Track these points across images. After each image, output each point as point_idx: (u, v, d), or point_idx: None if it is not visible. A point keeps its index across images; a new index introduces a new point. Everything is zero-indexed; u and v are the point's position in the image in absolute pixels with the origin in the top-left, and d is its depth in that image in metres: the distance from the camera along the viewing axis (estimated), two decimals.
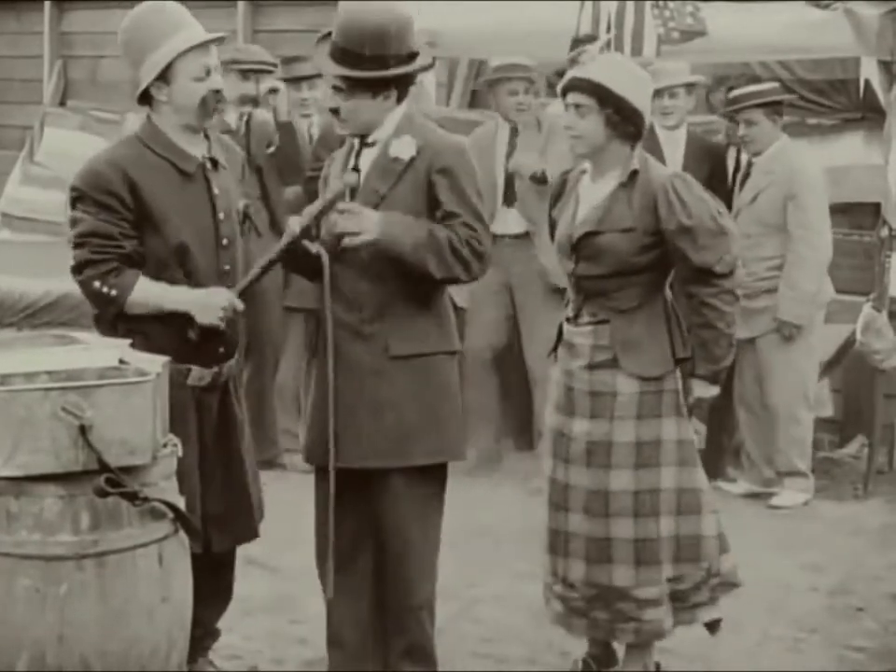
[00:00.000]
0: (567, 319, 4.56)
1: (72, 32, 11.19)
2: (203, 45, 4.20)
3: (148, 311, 4.16)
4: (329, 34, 4.29)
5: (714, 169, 7.23)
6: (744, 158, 7.42)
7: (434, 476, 4.35)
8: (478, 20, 7.82)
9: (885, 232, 7.22)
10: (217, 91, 4.24)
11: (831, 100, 8.35)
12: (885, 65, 7.35)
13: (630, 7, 7.39)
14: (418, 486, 4.29)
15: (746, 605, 5.48)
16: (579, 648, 4.73)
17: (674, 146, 7.22)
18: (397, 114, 4.29)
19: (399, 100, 4.28)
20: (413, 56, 4.24)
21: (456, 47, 8.10)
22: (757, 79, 7.71)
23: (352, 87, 4.21)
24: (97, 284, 4.15)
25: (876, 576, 5.96)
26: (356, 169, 4.30)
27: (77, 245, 4.18)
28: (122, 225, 4.14)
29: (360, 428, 4.24)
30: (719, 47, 7.41)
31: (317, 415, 4.32)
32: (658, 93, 7.16)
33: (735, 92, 7.19)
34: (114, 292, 4.14)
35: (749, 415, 7.20)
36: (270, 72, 7.50)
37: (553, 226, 4.72)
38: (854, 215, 7.73)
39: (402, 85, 4.27)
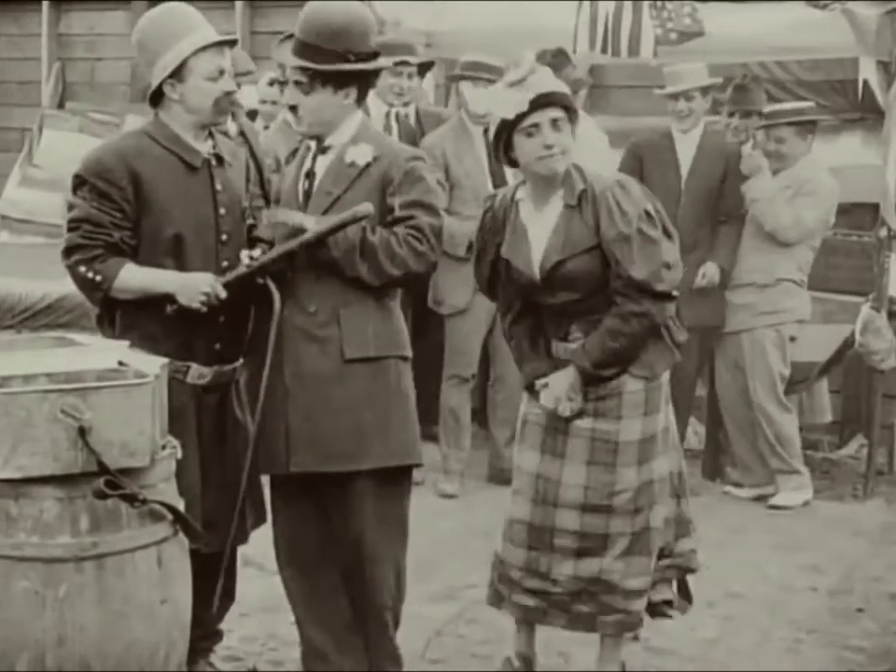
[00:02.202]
0: (555, 337, 4.49)
1: (70, 34, 11.18)
2: (218, 46, 4.24)
3: (134, 295, 4.18)
4: (292, 35, 4.33)
5: (728, 169, 7.20)
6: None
7: (393, 479, 4.34)
8: (476, 20, 7.82)
9: (883, 233, 7.22)
10: (229, 93, 4.28)
11: (829, 100, 8.33)
12: (883, 66, 7.36)
13: (628, 7, 7.39)
14: (376, 489, 4.29)
15: (745, 605, 5.50)
16: (579, 648, 4.73)
17: (688, 147, 7.21)
18: (354, 120, 4.32)
19: (359, 101, 4.31)
20: (373, 56, 4.29)
21: (454, 47, 8.10)
22: (756, 80, 7.68)
23: (313, 80, 4.23)
24: (83, 269, 4.18)
25: (876, 576, 5.97)
26: (312, 172, 4.31)
27: (69, 230, 4.22)
28: (115, 215, 4.16)
29: (316, 433, 4.24)
30: (717, 47, 7.41)
31: (269, 422, 4.27)
32: (675, 97, 7.17)
33: (771, 108, 7.13)
34: (98, 277, 4.16)
35: (731, 416, 7.19)
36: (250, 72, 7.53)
37: (491, 262, 4.49)
38: (853, 215, 7.73)
39: (363, 85, 4.30)
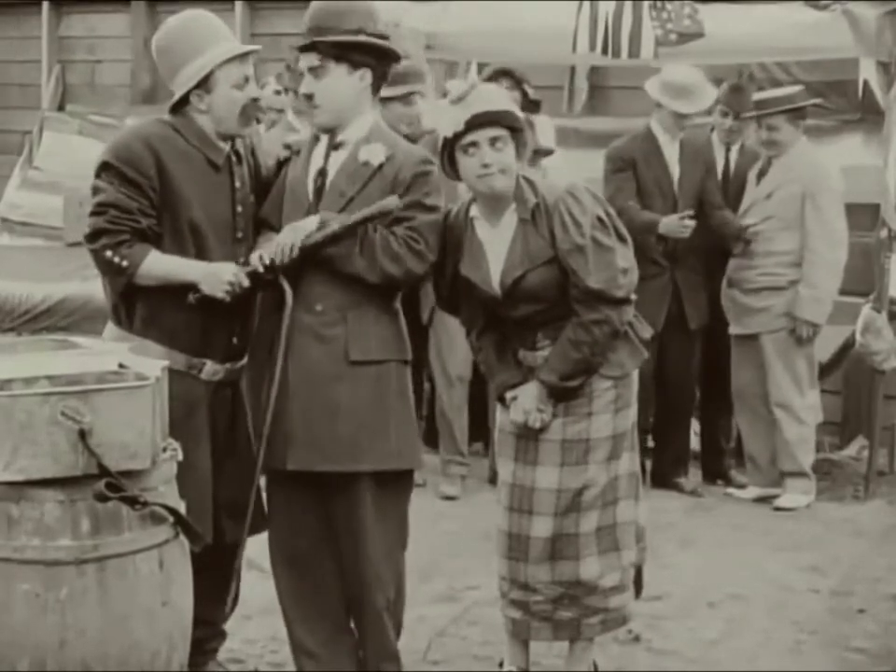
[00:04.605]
0: (522, 347, 4.47)
1: (70, 36, 11.20)
2: (243, 55, 4.25)
3: (158, 282, 4.18)
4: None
5: (707, 168, 7.27)
6: (733, 155, 7.45)
7: (393, 481, 4.35)
8: (476, 21, 7.82)
9: (884, 233, 7.23)
10: (255, 100, 4.30)
11: (829, 101, 8.35)
12: (883, 66, 7.36)
13: (628, 7, 7.39)
14: (376, 490, 4.30)
15: (746, 606, 5.50)
16: None
17: (673, 149, 7.23)
18: (368, 118, 4.32)
19: (374, 88, 4.30)
20: (385, 37, 4.30)
21: (454, 49, 8.11)
22: (752, 78, 7.70)
23: (326, 59, 4.23)
24: (109, 253, 4.16)
25: (877, 577, 5.96)
26: (325, 169, 4.31)
27: (94, 214, 4.19)
28: (142, 202, 4.16)
29: (317, 432, 4.24)
30: (716, 48, 7.42)
31: (271, 420, 4.28)
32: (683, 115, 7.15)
33: (761, 96, 7.17)
34: (125, 262, 4.15)
35: (749, 415, 7.20)
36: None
37: (450, 279, 4.44)
38: (853, 216, 7.70)
39: (377, 68, 4.28)
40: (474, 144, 4.23)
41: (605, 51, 7.54)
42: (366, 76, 4.27)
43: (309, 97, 4.29)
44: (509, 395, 4.45)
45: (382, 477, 4.29)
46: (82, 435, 3.48)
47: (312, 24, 4.26)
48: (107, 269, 4.21)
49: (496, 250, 4.36)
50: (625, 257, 4.34)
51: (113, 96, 10.86)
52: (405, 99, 6.87)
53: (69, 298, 7.98)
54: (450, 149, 4.30)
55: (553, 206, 4.28)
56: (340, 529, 4.36)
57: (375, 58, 4.28)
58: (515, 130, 4.28)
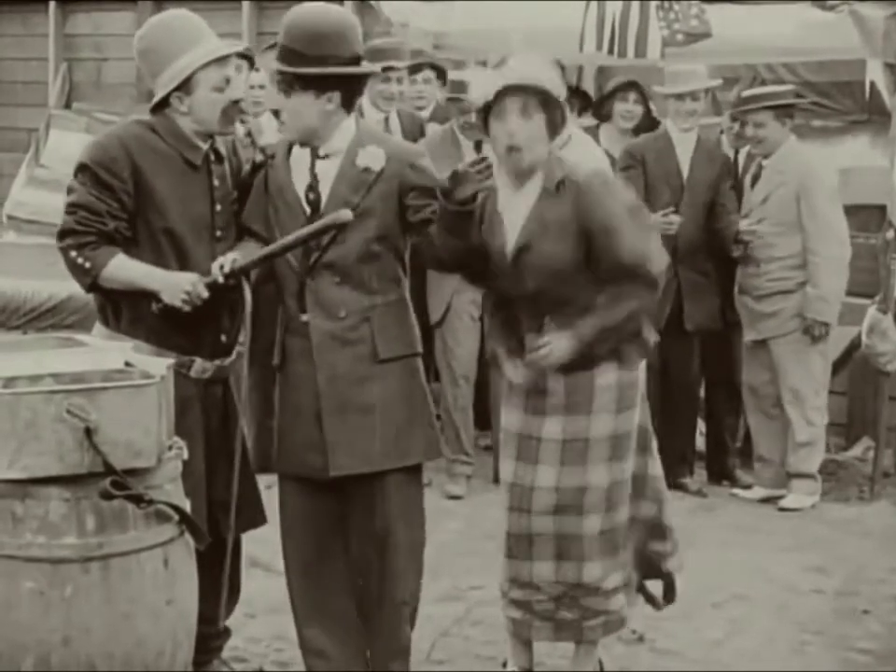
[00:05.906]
0: (530, 330, 4.45)
1: (76, 34, 11.21)
2: (224, 56, 4.24)
3: (121, 286, 4.21)
4: (276, 44, 4.31)
5: (721, 172, 7.26)
6: (741, 159, 7.45)
7: (416, 473, 4.42)
8: (483, 21, 7.83)
9: (890, 234, 7.21)
10: (237, 101, 4.30)
11: (836, 102, 8.35)
12: (890, 67, 7.36)
13: (635, 7, 7.39)
14: (407, 485, 4.34)
15: (751, 607, 5.50)
16: None
17: (686, 148, 7.23)
18: (348, 126, 4.28)
19: (346, 107, 4.25)
20: (355, 60, 4.23)
21: (461, 48, 8.11)
22: (763, 82, 7.70)
23: (291, 84, 4.20)
24: (73, 253, 4.20)
25: (882, 578, 5.96)
26: (314, 182, 4.28)
27: (66, 213, 4.24)
28: (112, 204, 4.18)
29: (355, 435, 4.26)
30: (723, 49, 7.42)
31: (294, 426, 4.32)
32: (681, 97, 7.17)
33: (747, 93, 7.18)
34: (88, 264, 4.18)
35: (761, 418, 7.19)
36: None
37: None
38: (859, 217, 7.72)
39: (346, 90, 4.23)
40: (503, 110, 4.25)
41: (611, 51, 7.55)
42: (334, 97, 4.22)
43: (277, 113, 4.31)
44: (542, 340, 4.36)
45: (407, 470, 4.33)
46: (88, 433, 3.48)
47: (282, 41, 4.21)
48: (72, 268, 4.24)
49: (514, 218, 4.37)
50: (655, 240, 4.38)
51: (119, 94, 10.86)
52: (382, 75, 6.86)
53: (74, 296, 7.95)
54: (485, 113, 4.32)
55: (584, 183, 4.30)
56: (361, 526, 4.35)
57: (344, 83, 4.23)
58: (551, 102, 4.27)
